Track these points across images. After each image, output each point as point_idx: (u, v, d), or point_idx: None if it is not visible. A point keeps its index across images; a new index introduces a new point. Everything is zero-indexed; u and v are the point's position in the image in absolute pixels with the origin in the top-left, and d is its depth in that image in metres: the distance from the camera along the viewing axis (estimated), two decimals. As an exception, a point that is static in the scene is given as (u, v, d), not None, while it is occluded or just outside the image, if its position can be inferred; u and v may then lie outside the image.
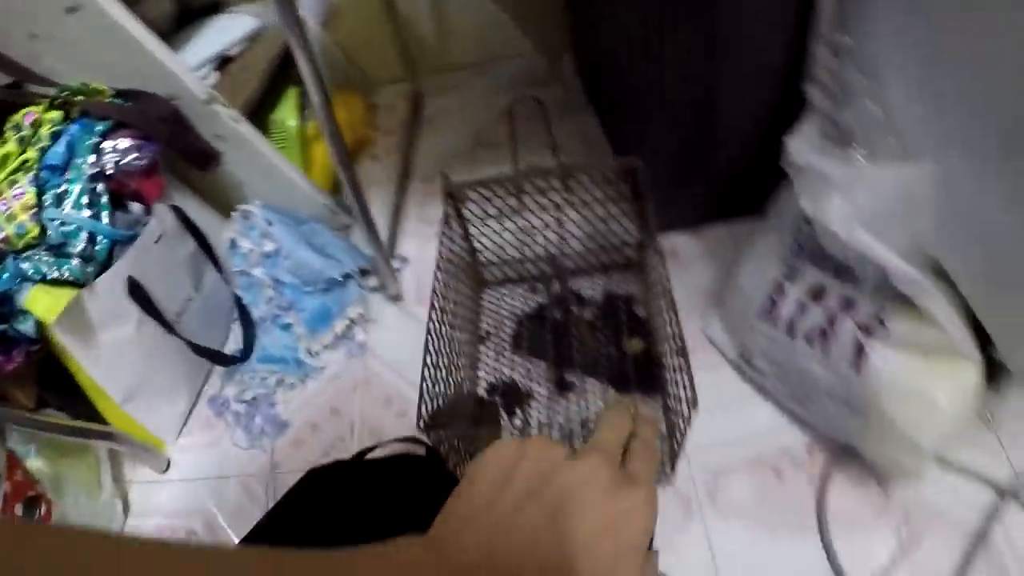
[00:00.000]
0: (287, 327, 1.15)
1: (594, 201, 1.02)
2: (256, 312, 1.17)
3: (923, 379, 0.74)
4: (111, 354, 1.00)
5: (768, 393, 0.95)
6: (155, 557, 0.32)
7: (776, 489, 0.87)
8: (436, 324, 0.85)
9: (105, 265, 0.96)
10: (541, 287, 1.16)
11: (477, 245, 1.12)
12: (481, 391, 1.04)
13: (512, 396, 1.03)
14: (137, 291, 0.99)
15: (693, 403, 0.72)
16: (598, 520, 0.33)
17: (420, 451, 0.97)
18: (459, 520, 0.35)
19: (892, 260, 0.73)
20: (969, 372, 0.74)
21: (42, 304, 0.91)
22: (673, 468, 0.88)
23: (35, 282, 0.91)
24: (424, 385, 0.78)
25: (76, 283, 0.93)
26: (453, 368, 0.92)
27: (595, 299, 1.12)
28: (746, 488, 0.88)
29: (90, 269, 0.94)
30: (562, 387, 1.02)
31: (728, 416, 0.95)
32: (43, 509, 0.99)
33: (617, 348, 1.04)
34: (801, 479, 0.87)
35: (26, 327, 0.92)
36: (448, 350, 0.91)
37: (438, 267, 0.91)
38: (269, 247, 1.14)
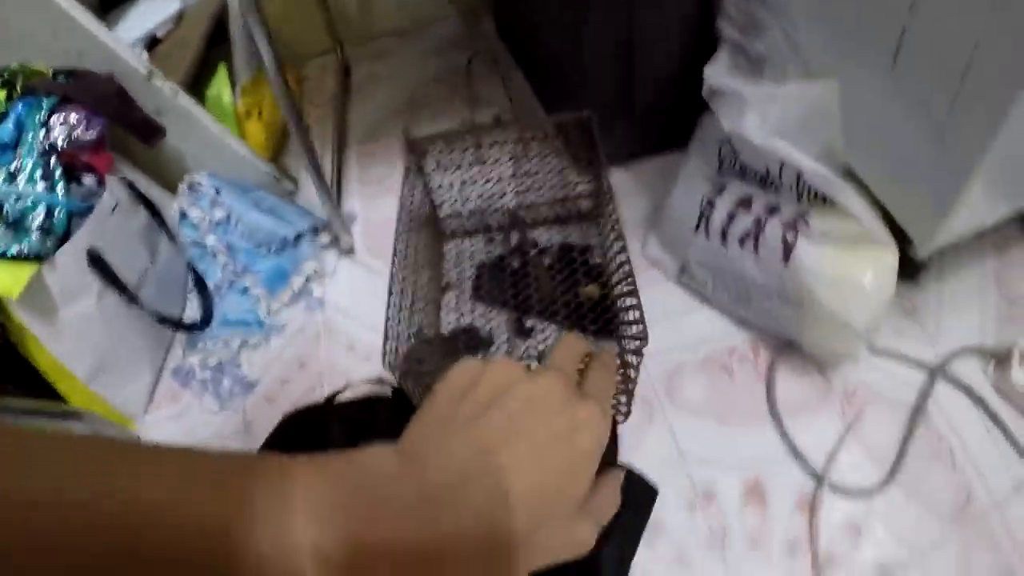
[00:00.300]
0: (245, 291, 1.17)
1: (549, 154, 1.07)
2: (212, 280, 1.18)
3: (846, 265, 0.82)
4: (73, 329, 1.00)
5: (711, 301, 1.03)
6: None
7: (728, 385, 0.95)
8: (399, 270, 0.89)
9: (64, 238, 0.96)
10: (500, 238, 1.20)
11: (436, 199, 1.15)
12: (443, 333, 1.09)
13: (473, 340, 1.07)
14: (98, 262, 0.99)
15: (643, 337, 0.76)
16: (553, 428, 0.36)
17: (387, 392, 1.01)
18: (425, 429, 0.37)
19: (807, 163, 0.82)
20: (887, 256, 0.82)
21: (3, 281, 0.90)
22: (629, 406, 0.92)
23: (-5, 259, 0.91)
24: (388, 325, 0.81)
25: (36, 258, 0.93)
26: (416, 312, 0.96)
27: (552, 248, 1.16)
28: (701, 386, 0.96)
29: (49, 243, 0.94)
30: (521, 332, 1.07)
31: (677, 325, 1.02)
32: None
33: (573, 294, 1.09)
34: (750, 374, 0.96)
35: (-16, 307, 0.91)
36: (411, 293, 0.95)
37: (399, 216, 0.94)
38: (219, 214, 1.15)
